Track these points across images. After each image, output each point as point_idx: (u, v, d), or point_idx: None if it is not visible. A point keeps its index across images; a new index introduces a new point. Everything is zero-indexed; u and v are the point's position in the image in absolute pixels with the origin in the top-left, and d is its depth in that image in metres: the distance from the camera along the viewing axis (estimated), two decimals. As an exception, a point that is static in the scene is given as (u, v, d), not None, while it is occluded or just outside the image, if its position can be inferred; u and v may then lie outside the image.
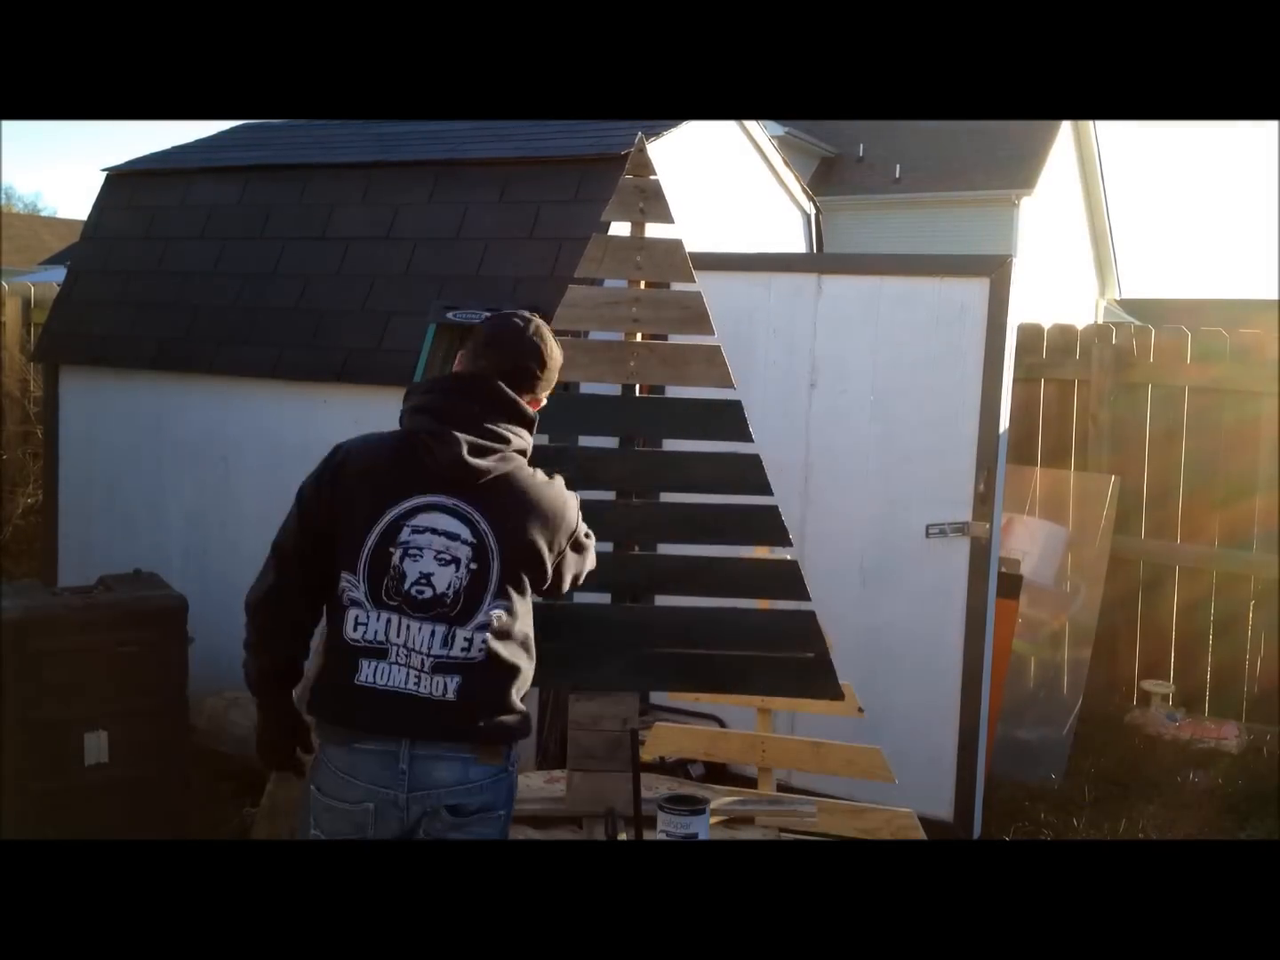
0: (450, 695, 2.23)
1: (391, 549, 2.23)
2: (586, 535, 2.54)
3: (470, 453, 2.25)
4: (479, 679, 2.25)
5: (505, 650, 2.28)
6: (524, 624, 2.35)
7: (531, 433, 2.41)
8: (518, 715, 2.32)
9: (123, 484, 5.46)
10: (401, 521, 2.25)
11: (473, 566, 2.24)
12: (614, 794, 2.89)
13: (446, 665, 2.23)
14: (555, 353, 2.45)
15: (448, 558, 2.23)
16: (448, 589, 2.23)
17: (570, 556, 2.46)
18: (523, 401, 2.38)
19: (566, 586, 2.50)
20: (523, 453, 2.37)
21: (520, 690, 2.34)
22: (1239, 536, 5.55)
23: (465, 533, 2.25)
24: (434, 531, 2.24)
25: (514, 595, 2.29)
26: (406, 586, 2.22)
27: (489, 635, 2.25)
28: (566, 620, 3.10)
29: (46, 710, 3.75)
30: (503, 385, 2.34)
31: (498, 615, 2.26)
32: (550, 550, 2.37)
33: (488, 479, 2.28)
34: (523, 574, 2.31)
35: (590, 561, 2.57)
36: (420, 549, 2.23)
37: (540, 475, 2.39)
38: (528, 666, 2.36)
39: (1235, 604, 5.53)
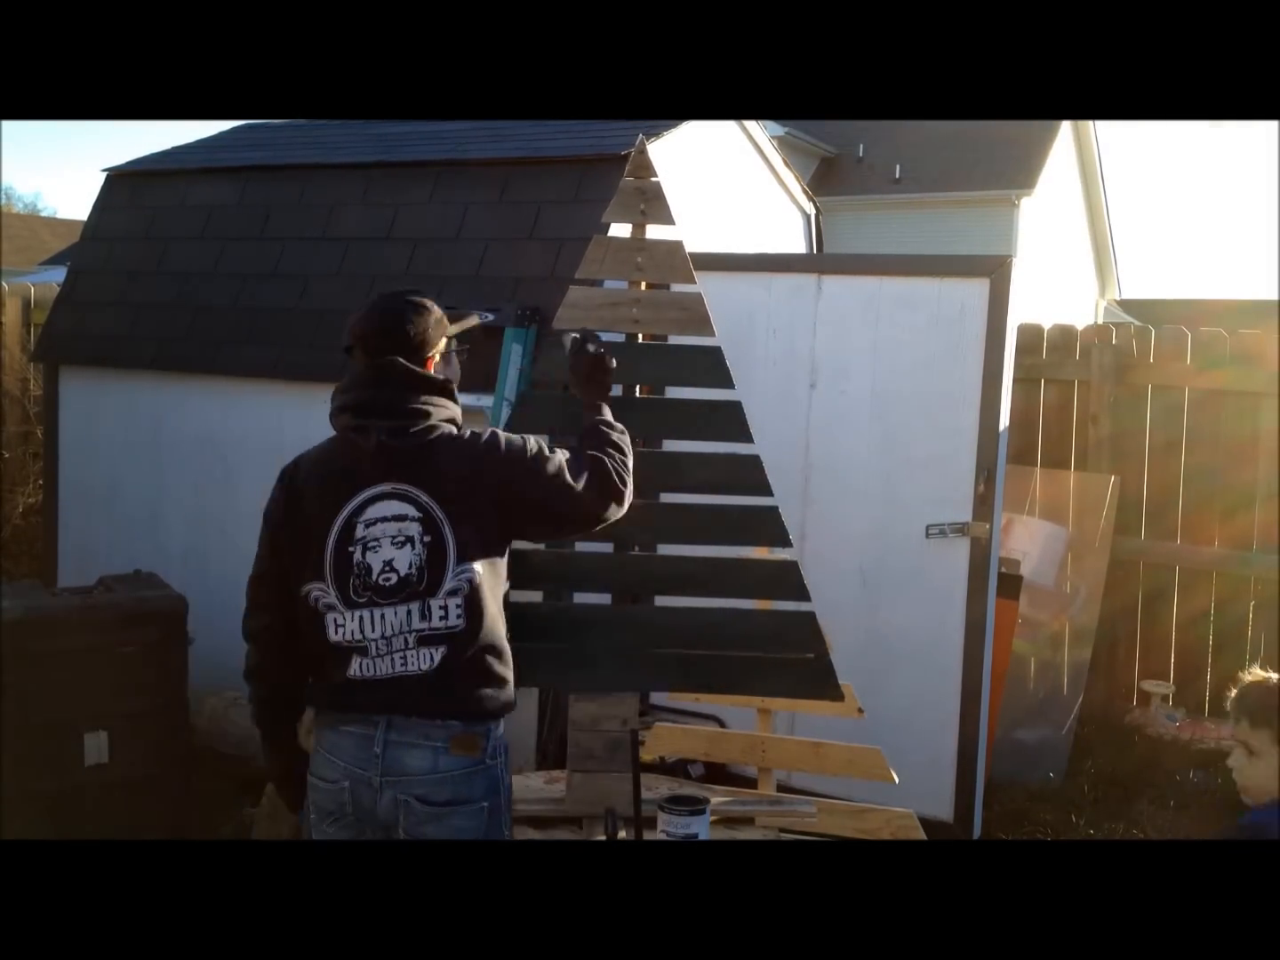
0: (435, 663, 2.28)
1: (351, 548, 2.30)
2: (540, 449, 2.44)
3: (390, 436, 2.32)
4: (463, 646, 2.30)
5: (483, 614, 2.32)
6: (496, 584, 2.38)
7: (453, 399, 2.45)
8: (499, 687, 2.35)
9: (123, 484, 5.46)
10: (354, 519, 2.31)
11: (426, 539, 2.29)
12: (614, 795, 2.89)
13: (429, 638, 2.28)
14: (420, 306, 2.47)
15: (402, 539, 2.29)
16: (410, 568, 2.28)
17: (533, 476, 2.38)
18: (428, 371, 2.42)
19: (562, 494, 2.41)
20: (451, 420, 2.41)
21: (504, 657, 2.38)
22: (1240, 538, 5.54)
23: (410, 510, 2.30)
24: (384, 520, 2.30)
25: (480, 557, 2.32)
26: (374, 579, 2.28)
27: (462, 600, 2.29)
28: (566, 621, 3.10)
29: (46, 710, 3.75)
30: (404, 362, 2.39)
31: (466, 579, 2.29)
32: (502, 491, 2.35)
33: (416, 453, 2.33)
34: (483, 531, 2.34)
35: (558, 461, 2.43)
36: (377, 539, 2.30)
37: (469, 433, 2.42)
38: (504, 628, 2.42)
39: (1236, 604, 5.52)
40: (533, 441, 2.45)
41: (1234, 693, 2.21)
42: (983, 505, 4.12)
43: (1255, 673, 2.22)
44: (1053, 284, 17.64)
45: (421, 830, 2.27)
